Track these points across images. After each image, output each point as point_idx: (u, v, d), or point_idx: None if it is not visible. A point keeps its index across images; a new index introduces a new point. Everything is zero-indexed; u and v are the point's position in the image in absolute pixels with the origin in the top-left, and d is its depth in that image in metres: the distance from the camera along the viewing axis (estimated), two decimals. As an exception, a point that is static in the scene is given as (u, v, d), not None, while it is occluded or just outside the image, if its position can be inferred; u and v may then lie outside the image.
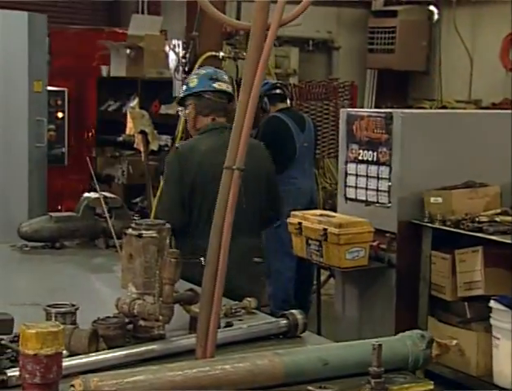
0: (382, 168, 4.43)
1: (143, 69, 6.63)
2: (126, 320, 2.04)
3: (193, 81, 3.40)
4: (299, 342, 2.11)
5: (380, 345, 1.71)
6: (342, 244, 4.25)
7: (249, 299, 2.39)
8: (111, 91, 7.38)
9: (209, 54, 5.58)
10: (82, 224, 3.26)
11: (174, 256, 1.98)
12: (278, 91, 5.37)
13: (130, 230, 2.08)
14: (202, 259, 2.33)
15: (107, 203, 3.32)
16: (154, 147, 5.53)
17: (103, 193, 3.35)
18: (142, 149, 5.51)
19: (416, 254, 4.33)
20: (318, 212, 4.67)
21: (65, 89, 5.94)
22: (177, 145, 3.53)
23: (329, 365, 1.77)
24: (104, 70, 7.19)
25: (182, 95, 3.45)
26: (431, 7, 10.39)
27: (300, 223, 4.47)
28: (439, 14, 10.28)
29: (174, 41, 5.73)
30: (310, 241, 4.45)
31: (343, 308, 4.72)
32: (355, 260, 4.32)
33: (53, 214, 3.23)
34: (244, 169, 1.89)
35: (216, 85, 3.36)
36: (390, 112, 4.45)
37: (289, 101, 5.49)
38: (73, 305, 1.99)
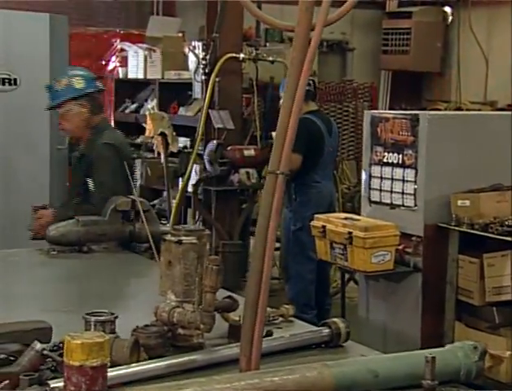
0: (408, 170, 4.37)
1: (161, 71, 6.59)
2: (165, 328, 1.99)
3: (79, 82, 3.51)
4: (342, 352, 2.05)
5: (433, 358, 1.65)
6: (368, 248, 4.20)
7: (286, 306, 2.34)
8: (128, 93, 7.35)
9: (229, 55, 5.54)
10: (110, 228, 3.21)
11: (215, 263, 1.92)
12: (310, 88, 5.27)
13: (169, 236, 2.03)
14: None
15: (134, 206, 3.28)
16: (174, 149, 5.50)
17: (131, 196, 3.30)
18: (161, 151, 5.48)
19: (442, 258, 4.26)
20: (342, 215, 4.62)
21: (85, 90, 5.89)
22: (106, 141, 3.69)
23: (380, 377, 1.72)
24: (121, 72, 7.16)
25: (70, 97, 3.61)
26: (446, 8, 10.32)
27: (324, 226, 4.42)
28: (453, 15, 10.21)
29: (194, 43, 5.68)
30: (334, 244, 4.39)
31: (367, 312, 4.66)
32: (380, 264, 4.27)
33: (80, 218, 3.19)
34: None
35: (98, 84, 3.73)
36: (417, 114, 4.38)
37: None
38: (112, 314, 1.94)
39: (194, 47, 5.67)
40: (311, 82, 5.37)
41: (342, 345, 2.09)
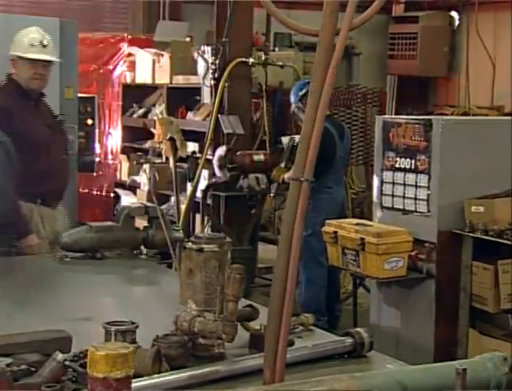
0: (421, 176, 4.33)
1: (170, 75, 6.55)
2: (186, 338, 1.96)
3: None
4: (366, 362, 2.02)
5: (464, 370, 1.61)
6: (381, 254, 4.16)
7: (306, 315, 2.30)
8: (136, 98, 7.32)
9: (238, 60, 5.52)
10: (123, 234, 3.18)
11: (238, 271, 1.89)
12: None
13: (189, 244, 1.99)
14: None
15: (147, 212, 3.25)
16: (182, 154, 5.47)
17: (143, 202, 3.27)
18: (170, 156, 5.45)
19: (456, 264, 4.22)
20: (354, 220, 4.58)
21: (95, 95, 5.89)
22: None
23: (408, 389, 1.68)
24: (129, 76, 7.13)
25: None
26: (452, 13, 10.29)
27: (336, 232, 4.38)
28: (460, 19, 10.17)
29: (203, 47, 5.66)
30: (346, 250, 4.36)
31: (379, 319, 4.61)
32: (393, 270, 4.23)
33: (93, 224, 3.15)
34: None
35: None
36: (430, 119, 4.35)
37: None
38: (133, 323, 1.90)
39: (203, 52, 5.65)
40: None
41: (366, 355, 2.05)
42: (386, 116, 5.03)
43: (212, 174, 5.67)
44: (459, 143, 4.29)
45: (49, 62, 3.75)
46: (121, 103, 7.18)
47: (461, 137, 4.31)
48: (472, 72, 9.35)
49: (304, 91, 5.11)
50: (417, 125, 4.35)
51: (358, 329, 2.07)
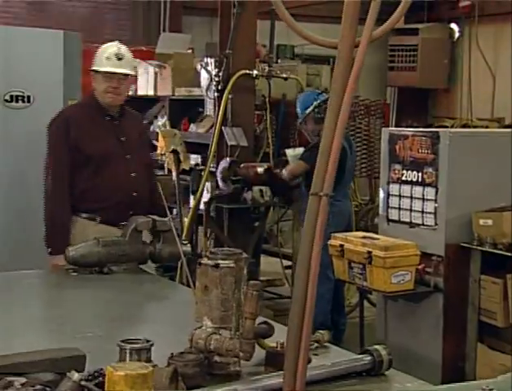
0: (428, 189, 4.30)
1: (172, 87, 6.53)
2: (201, 356, 1.91)
3: None
4: (385, 381, 1.97)
5: (491, 390, 1.57)
6: (388, 268, 4.12)
7: (321, 331, 2.26)
8: (138, 109, 7.26)
9: (242, 72, 5.49)
10: (130, 248, 3.14)
11: (255, 288, 1.85)
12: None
13: (205, 260, 1.95)
14: None
15: (155, 226, 3.21)
16: (186, 166, 5.41)
17: (151, 216, 3.23)
18: (173, 169, 5.40)
19: (464, 278, 4.19)
20: (360, 233, 4.54)
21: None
22: None
23: (433, 409, 1.63)
24: (131, 88, 7.09)
25: None
26: (452, 25, 10.31)
27: (342, 245, 4.34)
28: (460, 32, 10.19)
29: (206, 59, 5.63)
30: (353, 264, 4.32)
31: (385, 334, 4.57)
32: (400, 284, 4.19)
33: (100, 238, 3.11)
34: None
35: None
36: (437, 132, 4.32)
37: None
38: (148, 341, 1.86)
39: (206, 64, 5.62)
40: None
41: (384, 374, 2.01)
42: (392, 128, 4.99)
43: (215, 187, 5.63)
44: (467, 156, 4.26)
45: (125, 75, 3.66)
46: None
47: (468, 149, 4.28)
48: (472, 84, 9.36)
49: (319, 102, 5.13)
50: (424, 138, 4.32)
51: (376, 346, 2.02)
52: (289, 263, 6.57)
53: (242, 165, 5.50)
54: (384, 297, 4.48)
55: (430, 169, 4.28)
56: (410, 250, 4.19)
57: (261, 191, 5.54)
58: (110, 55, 3.62)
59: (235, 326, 1.91)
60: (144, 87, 6.91)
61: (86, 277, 3.01)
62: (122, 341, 1.84)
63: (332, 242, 4.41)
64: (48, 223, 3.48)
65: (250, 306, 1.84)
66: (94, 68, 3.66)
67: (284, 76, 5.82)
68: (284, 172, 5.33)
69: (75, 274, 3.04)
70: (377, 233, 4.62)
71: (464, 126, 9.04)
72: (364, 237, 4.37)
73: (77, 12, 9.14)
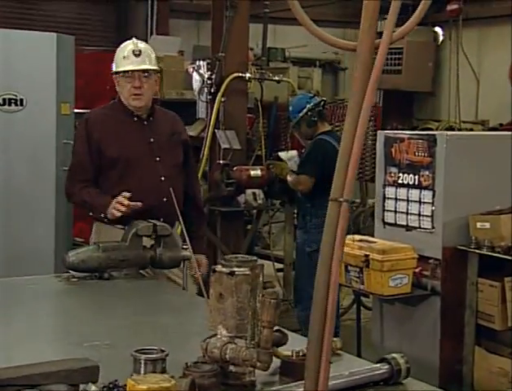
0: (425, 192, 4.29)
1: (162, 90, 6.47)
2: (216, 366, 1.87)
3: None
4: (402, 390, 1.94)
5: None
6: (385, 271, 4.11)
7: (334, 339, 2.22)
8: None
9: (235, 75, 5.46)
10: (131, 253, 3.08)
11: (273, 296, 1.81)
12: (321, 108, 5.23)
13: (219, 267, 1.91)
14: None
15: (155, 230, 3.16)
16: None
17: (152, 221, 3.18)
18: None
19: (461, 281, 4.18)
20: (357, 237, 4.52)
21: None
22: None
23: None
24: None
25: None
26: (436, 28, 10.36)
27: (338, 249, 4.31)
28: (444, 35, 10.25)
29: (199, 62, 5.59)
30: (349, 267, 4.30)
31: (382, 337, 4.55)
32: (397, 287, 4.18)
33: (100, 243, 3.05)
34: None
35: None
36: (434, 135, 4.32)
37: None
38: (163, 351, 1.81)
39: (199, 67, 5.58)
40: (322, 102, 5.31)
41: (402, 383, 1.97)
42: (388, 131, 4.98)
43: (208, 190, 5.59)
44: (463, 159, 4.26)
45: (146, 71, 3.40)
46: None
47: (465, 152, 4.28)
48: (456, 87, 9.41)
49: (311, 105, 5.11)
50: (420, 141, 4.31)
51: (394, 354, 1.99)
52: (281, 266, 6.54)
53: (235, 168, 5.47)
54: (380, 300, 4.46)
55: (427, 172, 4.26)
56: (407, 253, 4.19)
57: (254, 193, 5.51)
58: (127, 53, 3.40)
59: (250, 335, 1.87)
60: (134, 90, 6.83)
61: (86, 283, 2.95)
62: (136, 351, 1.79)
63: (328, 245, 4.38)
64: (85, 203, 3.41)
65: (268, 315, 1.80)
66: (113, 71, 3.46)
67: (277, 79, 5.79)
68: (289, 177, 5.25)
69: (75, 279, 2.98)
70: (368, 235, 4.61)
71: (448, 129, 9.07)
72: (361, 240, 4.35)
73: (62, 16, 9.06)
